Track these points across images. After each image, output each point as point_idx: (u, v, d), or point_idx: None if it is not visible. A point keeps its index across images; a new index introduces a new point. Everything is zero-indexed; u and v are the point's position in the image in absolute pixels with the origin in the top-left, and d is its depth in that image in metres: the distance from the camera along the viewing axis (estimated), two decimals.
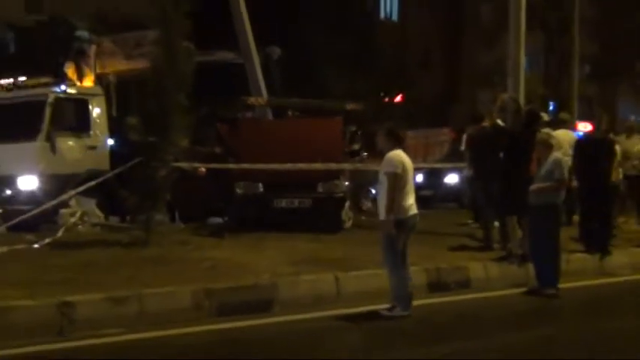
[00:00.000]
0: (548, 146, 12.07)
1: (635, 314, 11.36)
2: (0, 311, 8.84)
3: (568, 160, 13.58)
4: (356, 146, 20.90)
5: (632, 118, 46.54)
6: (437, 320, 10.12)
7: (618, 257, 14.31)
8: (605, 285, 13.11)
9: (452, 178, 22.23)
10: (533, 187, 11.81)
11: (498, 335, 9.56)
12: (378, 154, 17.40)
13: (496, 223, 14.13)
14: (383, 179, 10.22)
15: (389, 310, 10.06)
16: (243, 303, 10.23)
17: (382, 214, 10.20)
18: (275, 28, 22.57)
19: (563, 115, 19.74)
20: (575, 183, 14.77)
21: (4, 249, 12.77)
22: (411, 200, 10.26)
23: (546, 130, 14.36)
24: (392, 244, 10.16)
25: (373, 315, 10.10)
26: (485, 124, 15.14)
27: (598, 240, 14.14)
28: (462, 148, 17.52)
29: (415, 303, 10.19)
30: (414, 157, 20.91)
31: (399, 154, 10.26)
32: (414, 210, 10.29)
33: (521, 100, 16.23)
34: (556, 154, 12.13)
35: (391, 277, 10.20)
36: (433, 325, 9.90)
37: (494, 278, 12.41)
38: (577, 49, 40.42)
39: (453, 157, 20.85)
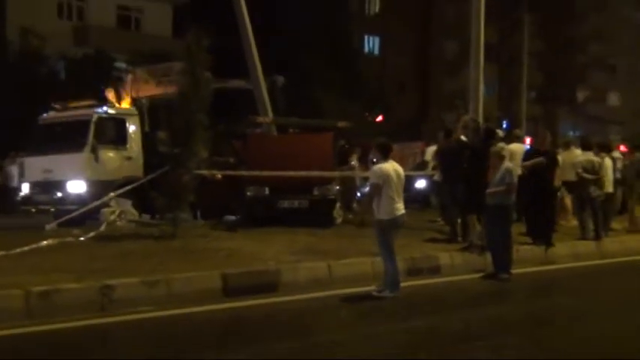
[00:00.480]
0: (501, 157, 12.11)
1: (574, 294, 11.39)
2: (52, 292, 8.84)
3: (518, 169, 13.63)
4: (353, 161, 20.97)
5: (570, 134, 46.66)
6: (412, 300, 10.10)
7: (560, 248, 14.31)
8: (549, 271, 13.11)
9: (421, 184, 22.16)
10: (489, 190, 11.86)
11: (462, 311, 9.60)
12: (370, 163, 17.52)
13: (459, 220, 14.17)
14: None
15: (378, 291, 10.09)
16: (254, 285, 10.23)
17: (376, 214, 10.28)
18: (278, 60, 22.54)
19: (517, 132, 19.77)
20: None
21: (55, 241, 12.73)
22: (398, 203, 10.29)
23: (501, 144, 14.41)
24: (383, 238, 10.27)
25: (361, 295, 10.12)
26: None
27: (543, 234, 14.17)
28: (425, 158, 17.54)
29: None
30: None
31: (382, 167, 10.30)
32: (401, 211, 10.32)
33: (480, 119, 16.32)
34: (507, 164, 12.16)
35: (385, 264, 10.24)
36: (409, 304, 9.88)
37: (459, 265, 12.42)
38: (525, 78, 40.54)
39: (422, 166, 20.87)
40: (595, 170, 15.35)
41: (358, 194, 20.52)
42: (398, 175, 10.39)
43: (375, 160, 19.71)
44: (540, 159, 14.40)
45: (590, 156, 15.63)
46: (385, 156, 10.50)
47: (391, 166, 10.40)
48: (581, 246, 15.08)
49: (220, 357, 6.96)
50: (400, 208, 10.35)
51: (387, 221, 10.26)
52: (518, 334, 8.41)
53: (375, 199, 10.30)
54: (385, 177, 10.21)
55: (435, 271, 12.06)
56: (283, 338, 7.96)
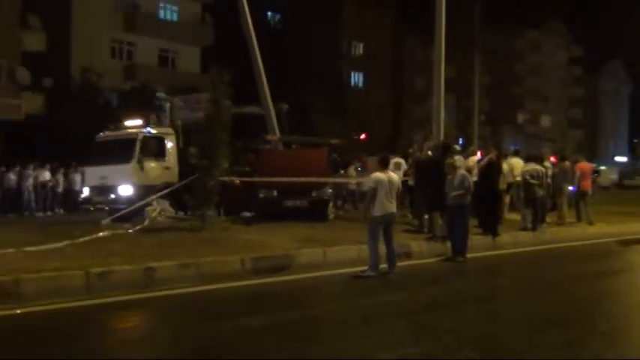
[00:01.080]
0: (454, 167, 12.22)
1: (515, 273, 11.41)
2: (107, 273, 8.85)
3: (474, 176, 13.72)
4: (351, 170, 21.05)
5: (512, 148, 46.63)
6: (390, 278, 10.11)
7: (504, 237, 14.31)
8: (496, 255, 13.09)
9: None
10: (453, 193, 11.88)
11: (429, 287, 9.59)
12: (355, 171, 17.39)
13: (425, 216, 14.19)
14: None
15: (362, 272, 10.08)
16: (266, 267, 10.24)
17: (372, 211, 10.36)
18: (284, 91, 22.57)
19: (473, 147, 20.02)
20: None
21: (109, 233, 12.75)
22: (390, 203, 10.33)
23: (457, 156, 14.54)
24: (373, 229, 10.31)
25: (349, 275, 10.10)
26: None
27: (491, 226, 14.19)
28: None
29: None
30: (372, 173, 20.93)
31: (378, 175, 10.40)
32: (391, 209, 10.37)
33: (441, 138, 16.32)
34: (462, 171, 12.23)
35: (369, 250, 10.25)
36: (387, 282, 9.89)
37: (425, 251, 12.39)
38: (476, 105, 40.54)
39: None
40: (539, 176, 15.48)
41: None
42: (390, 181, 10.41)
43: (359, 168, 19.77)
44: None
45: (535, 166, 15.75)
46: (383, 167, 10.64)
47: (385, 175, 10.45)
48: (520, 235, 15.09)
49: (239, 323, 6.94)
50: (391, 207, 10.38)
51: (379, 217, 10.31)
52: (471, 304, 8.42)
53: (372, 199, 10.35)
54: (379, 182, 10.28)
55: (408, 255, 12.02)
56: (288, 309, 7.97)
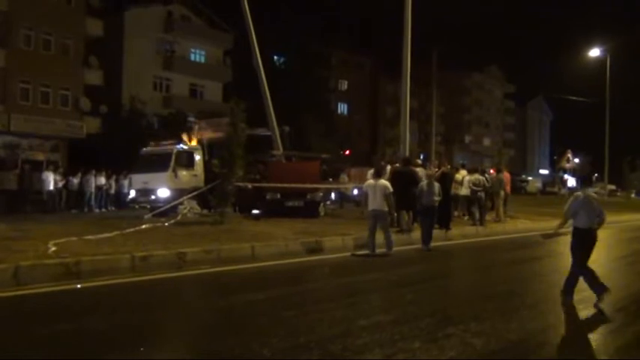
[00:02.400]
0: (428, 176, 12.59)
1: (462, 258, 11.39)
2: (148, 256, 8.78)
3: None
4: (345, 178, 20.96)
5: (460, 162, 46.68)
6: (367, 261, 10.09)
7: (454, 231, 14.33)
8: (448, 244, 13.04)
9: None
10: (435, 198, 11.83)
11: (397, 269, 9.51)
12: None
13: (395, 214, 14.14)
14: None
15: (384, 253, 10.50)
16: (272, 253, 10.20)
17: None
18: (286, 117, 22.55)
19: (434, 162, 20.24)
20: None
21: (150, 226, 12.68)
22: (375, 202, 10.59)
23: (418, 168, 14.56)
24: (369, 221, 10.68)
25: (336, 259, 10.09)
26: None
27: (445, 222, 14.16)
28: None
29: (347, 254, 10.42)
30: (355, 181, 20.93)
31: (369, 181, 10.98)
32: (375, 207, 10.57)
33: (407, 153, 16.34)
34: (433, 181, 12.20)
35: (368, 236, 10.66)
36: (365, 264, 9.87)
37: (396, 241, 12.33)
38: (434, 129, 40.67)
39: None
40: (481, 184, 15.60)
41: (332, 197, 20.64)
42: (378, 186, 10.64)
43: (346, 176, 19.58)
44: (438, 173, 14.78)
45: (477, 175, 15.89)
46: (377, 176, 11.06)
47: (375, 181, 10.76)
48: (467, 229, 15.10)
49: (249, 296, 6.90)
50: (375, 205, 10.55)
51: (370, 211, 10.59)
52: (429, 282, 8.40)
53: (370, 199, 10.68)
54: (368, 187, 10.70)
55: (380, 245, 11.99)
56: (286, 284, 7.92)
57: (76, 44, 31.59)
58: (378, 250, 10.53)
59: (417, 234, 12.35)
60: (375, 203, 10.51)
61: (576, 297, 6.77)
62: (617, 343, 5.37)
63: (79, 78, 31.65)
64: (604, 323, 6.08)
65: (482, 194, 15.69)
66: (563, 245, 8.02)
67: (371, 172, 15.16)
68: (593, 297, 6.58)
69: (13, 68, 28.62)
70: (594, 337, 5.68)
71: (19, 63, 28.66)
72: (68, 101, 31.42)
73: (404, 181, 12.98)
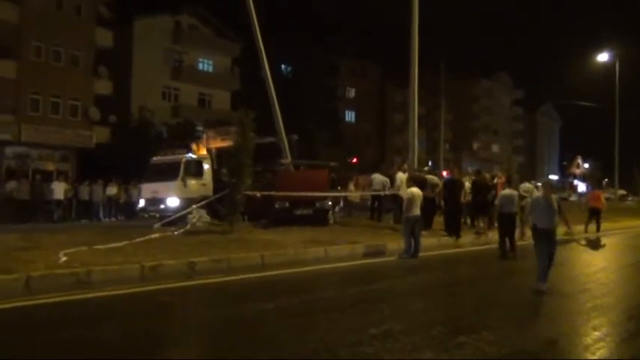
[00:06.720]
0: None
1: (473, 266, 11.31)
2: (157, 266, 8.81)
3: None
4: (351, 186, 20.90)
5: (469, 169, 46.55)
6: (377, 270, 10.05)
7: (464, 239, 14.26)
8: (457, 252, 13.03)
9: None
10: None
11: (410, 276, 9.51)
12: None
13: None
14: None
15: (400, 255, 11.20)
16: (281, 261, 10.20)
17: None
18: (294, 125, 22.56)
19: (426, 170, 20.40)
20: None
21: (159, 235, 12.65)
22: (416, 209, 11.45)
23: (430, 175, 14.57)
24: (405, 227, 11.44)
25: (344, 268, 10.05)
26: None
27: (455, 230, 14.07)
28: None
29: (357, 262, 10.49)
30: (363, 189, 20.85)
31: (412, 190, 11.72)
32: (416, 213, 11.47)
33: (415, 161, 16.32)
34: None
35: (404, 240, 11.40)
36: (370, 273, 9.84)
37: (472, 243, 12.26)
38: (442, 136, 40.68)
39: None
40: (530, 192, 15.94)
41: (341, 205, 20.57)
42: (417, 194, 11.58)
43: (354, 185, 19.48)
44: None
45: (528, 184, 16.66)
46: (414, 185, 11.94)
47: (415, 190, 11.68)
48: (473, 237, 14.98)
49: (258, 305, 6.88)
50: (418, 211, 11.51)
51: (413, 217, 11.41)
52: (442, 290, 8.35)
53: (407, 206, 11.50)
54: (410, 194, 11.53)
55: (390, 252, 11.96)
56: (296, 293, 7.88)
57: (85, 55, 31.90)
58: (353, 263, 10.59)
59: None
60: (417, 210, 11.33)
61: (589, 304, 6.72)
62: (631, 352, 5.31)
63: (88, 88, 31.93)
64: (617, 332, 6.01)
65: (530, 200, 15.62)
66: (577, 253, 7.98)
67: (402, 177, 15.23)
68: (607, 305, 6.51)
69: (23, 80, 28.93)
70: (607, 346, 5.61)
71: (29, 74, 28.97)
72: (78, 111, 31.68)
73: (480, 189, 14.31)
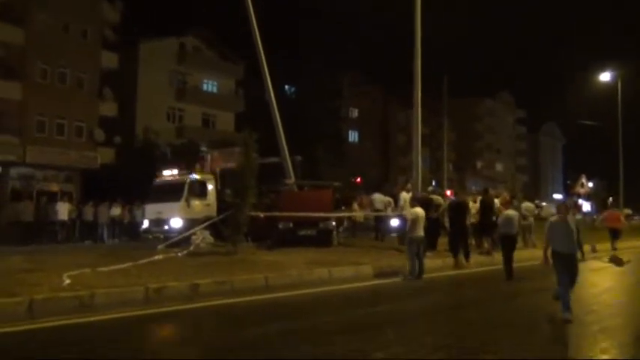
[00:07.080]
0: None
1: (478, 288, 11.24)
2: (161, 288, 8.76)
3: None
4: (355, 205, 20.88)
5: (473, 188, 46.50)
6: (381, 292, 9.99)
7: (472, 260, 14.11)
8: (462, 274, 12.91)
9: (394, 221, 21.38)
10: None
11: (415, 299, 9.43)
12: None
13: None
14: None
15: (405, 277, 11.22)
16: (285, 284, 10.15)
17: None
18: (297, 146, 22.64)
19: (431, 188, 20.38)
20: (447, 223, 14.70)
21: (163, 256, 12.68)
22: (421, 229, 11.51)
23: (435, 196, 14.55)
24: (409, 248, 11.47)
25: (346, 290, 9.99)
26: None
27: (465, 252, 13.80)
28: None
29: (361, 284, 10.41)
30: (366, 209, 20.77)
31: (414, 209, 11.74)
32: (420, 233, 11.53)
33: (419, 181, 16.30)
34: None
35: (408, 261, 11.42)
36: (375, 296, 9.77)
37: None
38: (445, 156, 40.68)
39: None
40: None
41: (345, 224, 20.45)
42: (421, 215, 11.63)
43: (358, 205, 19.54)
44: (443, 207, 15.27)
45: (528, 203, 16.97)
46: (421, 205, 12.07)
47: (419, 210, 11.74)
48: (481, 258, 14.88)
49: (263, 328, 6.84)
50: (422, 232, 11.57)
51: (418, 238, 11.49)
52: (448, 312, 8.29)
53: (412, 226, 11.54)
54: (414, 214, 11.54)
55: (395, 274, 11.90)
56: (300, 316, 7.83)
57: (91, 77, 32.22)
58: (356, 285, 10.51)
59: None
60: (421, 230, 11.34)
61: (596, 327, 6.65)
62: None
63: (93, 110, 32.18)
64: (625, 354, 5.94)
65: (532, 220, 15.88)
66: (581, 272, 7.91)
67: (405, 197, 15.26)
68: (616, 326, 6.44)
69: (29, 101, 29.18)
70: None
71: (35, 96, 29.23)
72: (83, 133, 31.89)
73: (487, 209, 14.38)
